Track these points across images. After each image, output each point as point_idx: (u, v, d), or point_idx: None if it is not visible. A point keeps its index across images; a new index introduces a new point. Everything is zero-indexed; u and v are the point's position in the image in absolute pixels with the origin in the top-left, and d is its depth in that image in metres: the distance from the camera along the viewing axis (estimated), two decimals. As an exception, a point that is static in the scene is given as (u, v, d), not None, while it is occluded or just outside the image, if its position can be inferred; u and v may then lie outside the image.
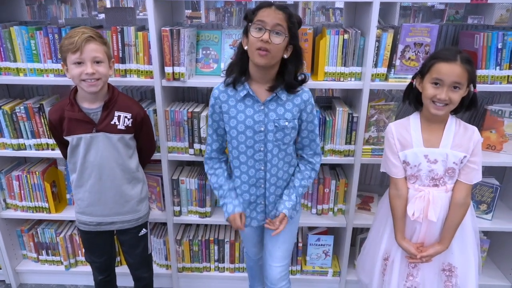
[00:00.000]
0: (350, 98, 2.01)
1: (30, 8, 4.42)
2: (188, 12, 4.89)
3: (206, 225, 2.27)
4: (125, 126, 1.57)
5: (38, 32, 1.74)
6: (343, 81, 1.77)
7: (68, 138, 1.55)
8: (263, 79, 1.40)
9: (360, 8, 1.85)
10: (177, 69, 1.74)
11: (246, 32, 1.35)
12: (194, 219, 2.08)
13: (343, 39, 1.70)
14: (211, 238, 2.17)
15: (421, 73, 1.43)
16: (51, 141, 1.92)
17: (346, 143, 1.88)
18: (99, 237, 1.71)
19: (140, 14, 4.24)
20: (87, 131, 1.53)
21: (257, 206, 1.57)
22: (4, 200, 2.09)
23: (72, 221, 2.22)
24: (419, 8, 4.11)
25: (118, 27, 1.72)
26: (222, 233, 2.22)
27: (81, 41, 1.39)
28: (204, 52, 1.88)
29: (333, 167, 2.18)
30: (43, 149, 1.94)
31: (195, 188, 2.00)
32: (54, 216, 2.07)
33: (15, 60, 1.79)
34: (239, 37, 1.85)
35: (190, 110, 1.84)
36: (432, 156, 1.45)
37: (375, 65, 1.74)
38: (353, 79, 1.78)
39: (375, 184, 2.40)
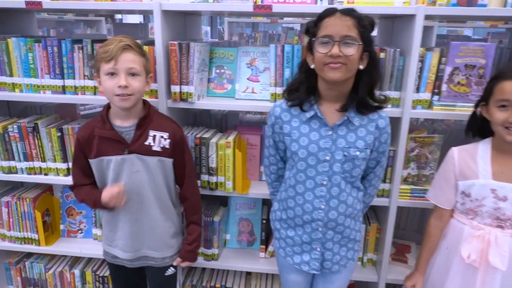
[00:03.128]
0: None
1: (56, 31, 4.44)
2: (206, 29, 4.72)
3: (212, 270, 1.98)
4: (161, 147, 1.37)
5: (37, 45, 1.58)
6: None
7: (95, 161, 1.36)
8: (335, 96, 1.22)
9: (399, 23, 1.60)
10: (185, 89, 1.52)
11: (310, 48, 1.18)
12: (198, 261, 1.80)
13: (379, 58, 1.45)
14: (217, 285, 1.87)
15: (485, 98, 1.22)
16: (45, 165, 1.72)
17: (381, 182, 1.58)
18: (128, 273, 1.51)
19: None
20: (118, 152, 1.34)
21: (312, 252, 1.32)
22: (-8, 228, 1.89)
23: (64, 256, 1.99)
24: (456, 37, 3.84)
25: (123, 40, 1.54)
26: (230, 279, 1.92)
27: (116, 49, 1.23)
28: (217, 71, 1.66)
29: (362, 208, 1.87)
30: (35, 174, 1.74)
31: (202, 226, 1.73)
32: (43, 249, 1.84)
33: (11, 75, 1.63)
34: (257, 55, 1.63)
35: (198, 135, 1.61)
36: (502, 192, 1.21)
37: (417, 90, 1.47)
38: (389, 105, 1.50)
39: (411, 230, 2.05)
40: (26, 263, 1.95)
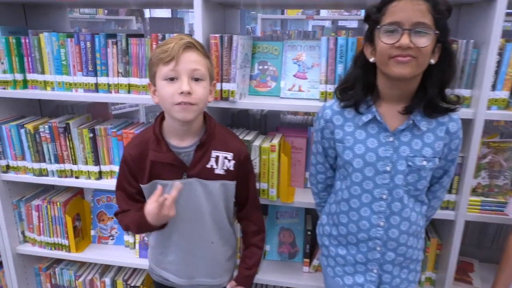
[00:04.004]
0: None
1: (88, 31, 4.44)
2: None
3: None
4: (225, 170, 1.19)
5: (69, 40, 1.48)
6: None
7: (147, 186, 1.18)
8: (398, 96, 1.05)
9: (468, 10, 1.40)
10: (226, 86, 1.38)
11: (370, 38, 1.01)
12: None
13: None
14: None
15: None
16: (76, 167, 1.63)
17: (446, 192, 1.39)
18: None
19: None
20: (175, 176, 1.15)
21: (367, 273, 1.15)
22: (23, 233, 1.81)
23: (94, 264, 1.89)
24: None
25: (159, 34, 1.42)
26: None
27: (178, 47, 1.02)
28: (260, 67, 1.52)
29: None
30: (66, 176, 1.65)
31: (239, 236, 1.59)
32: (73, 256, 1.75)
33: (43, 72, 1.54)
34: (305, 50, 1.47)
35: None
36: None
37: (493, 88, 1.27)
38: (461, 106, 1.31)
39: (471, 245, 1.84)
40: (56, 269, 1.86)
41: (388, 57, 0.96)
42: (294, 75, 1.48)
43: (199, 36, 1.34)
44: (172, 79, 1.05)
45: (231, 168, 1.19)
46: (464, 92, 1.30)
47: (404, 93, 1.04)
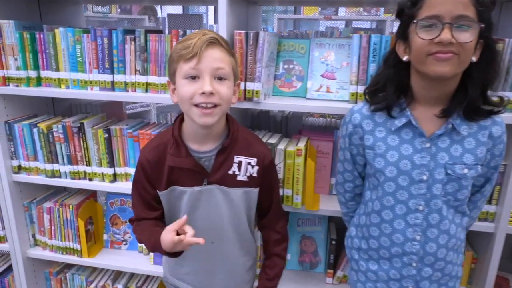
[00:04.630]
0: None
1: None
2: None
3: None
4: (248, 177, 1.10)
5: (85, 35, 1.41)
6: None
7: (165, 193, 1.10)
8: (435, 98, 0.95)
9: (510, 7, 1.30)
10: (250, 86, 1.30)
11: (403, 35, 0.93)
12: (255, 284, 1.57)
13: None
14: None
15: None
16: (89, 169, 1.56)
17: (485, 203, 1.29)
18: None
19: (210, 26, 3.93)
20: (195, 183, 1.08)
21: None
22: (33, 236, 1.75)
23: (106, 269, 1.82)
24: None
25: (180, 30, 1.34)
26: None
27: (201, 43, 0.94)
28: (285, 66, 1.43)
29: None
30: (79, 178, 1.58)
31: (259, 244, 1.51)
32: (85, 261, 1.68)
33: (57, 69, 1.47)
34: (334, 49, 1.38)
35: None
36: None
37: (541, 91, 1.17)
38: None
39: (505, 257, 1.72)
40: (67, 274, 1.79)
41: (426, 54, 0.87)
42: (322, 75, 1.39)
43: (223, 32, 1.26)
44: (193, 77, 0.96)
45: (255, 175, 1.11)
46: (509, 95, 1.20)
47: (442, 94, 0.95)
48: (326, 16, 3.31)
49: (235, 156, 1.08)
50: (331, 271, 1.57)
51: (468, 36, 0.84)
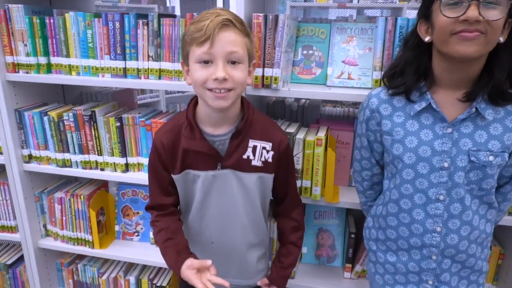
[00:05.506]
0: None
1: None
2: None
3: None
4: (263, 162, 1.07)
5: (97, 20, 1.36)
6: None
7: (179, 176, 1.08)
8: (458, 81, 0.89)
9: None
10: (268, 72, 1.24)
11: (425, 14, 0.88)
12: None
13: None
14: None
15: None
16: (101, 158, 1.52)
17: None
18: None
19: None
20: (209, 166, 1.06)
21: (421, 284, 1.02)
22: (45, 226, 1.72)
23: (118, 261, 1.79)
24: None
25: (194, 13, 1.28)
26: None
27: (214, 25, 0.89)
28: (304, 52, 1.37)
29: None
30: (91, 168, 1.54)
31: (273, 237, 1.46)
32: (97, 252, 1.65)
33: (68, 55, 1.43)
34: (356, 33, 1.32)
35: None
36: None
37: None
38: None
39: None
40: (78, 265, 1.77)
41: (450, 34, 0.82)
42: (343, 61, 1.32)
43: (240, 15, 1.20)
44: (206, 62, 0.93)
45: (270, 160, 1.07)
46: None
47: (466, 77, 0.89)
48: (340, 3, 3.22)
49: (250, 140, 1.05)
50: (350, 265, 1.51)
51: (496, 14, 0.79)
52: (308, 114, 1.65)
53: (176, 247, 1.06)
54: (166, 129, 1.09)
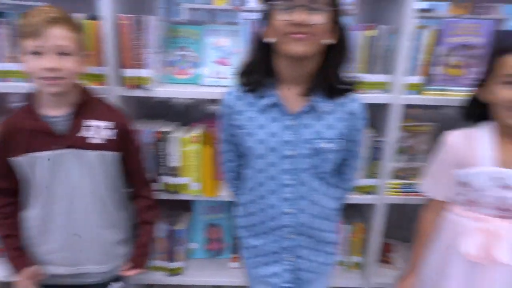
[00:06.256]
0: (373, 116, 1.51)
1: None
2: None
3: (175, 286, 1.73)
4: (105, 140, 1.12)
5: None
6: (366, 93, 1.32)
7: (19, 159, 1.10)
8: (297, 78, 1.01)
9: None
10: (138, 73, 1.25)
11: (266, 17, 0.96)
12: (159, 278, 1.55)
13: (369, 37, 1.27)
14: (183, 303, 1.62)
15: (483, 79, 1.14)
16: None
17: (366, 177, 1.41)
18: None
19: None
20: (49, 147, 1.09)
21: (281, 262, 1.13)
22: None
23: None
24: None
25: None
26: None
27: (42, 23, 0.98)
28: (180, 53, 1.41)
29: (345, 207, 1.70)
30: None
31: (163, 236, 1.48)
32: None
33: None
34: (228, 35, 1.40)
35: (157, 130, 1.35)
36: (509, 180, 1.09)
37: (408, 73, 1.31)
38: (378, 90, 1.33)
39: (391, 227, 1.91)
40: None
41: (284, 34, 0.93)
42: (216, 62, 1.39)
43: (106, 17, 1.20)
44: (38, 53, 1.01)
45: (113, 137, 1.14)
46: (383, 78, 1.32)
47: (303, 74, 1.01)
48: (235, 6, 3.32)
49: (90, 119, 1.12)
50: (236, 255, 1.60)
51: (319, 18, 0.91)
52: (193, 113, 1.70)
53: (18, 253, 1.15)
54: (8, 118, 1.13)
